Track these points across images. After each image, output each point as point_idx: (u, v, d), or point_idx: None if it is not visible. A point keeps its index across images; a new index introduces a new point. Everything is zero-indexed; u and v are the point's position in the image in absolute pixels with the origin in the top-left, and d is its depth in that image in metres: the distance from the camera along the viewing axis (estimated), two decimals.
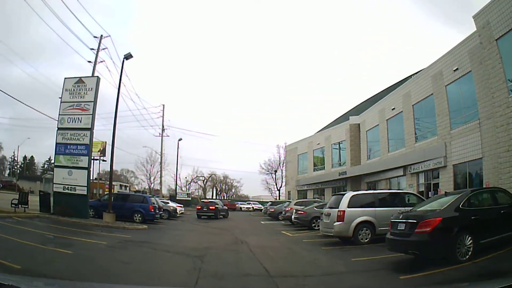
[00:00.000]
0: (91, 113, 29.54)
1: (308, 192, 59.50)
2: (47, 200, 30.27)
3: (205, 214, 44.89)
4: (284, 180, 67.01)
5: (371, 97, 52.16)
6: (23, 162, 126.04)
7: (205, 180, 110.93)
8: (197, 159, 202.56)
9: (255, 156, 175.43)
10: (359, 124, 47.99)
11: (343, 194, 20.53)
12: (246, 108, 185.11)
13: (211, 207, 45.53)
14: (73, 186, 28.83)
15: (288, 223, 35.86)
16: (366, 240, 18.72)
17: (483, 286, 6.72)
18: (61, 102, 30.40)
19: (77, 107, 29.87)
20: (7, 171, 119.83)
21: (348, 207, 19.20)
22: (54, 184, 29.90)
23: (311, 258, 15.90)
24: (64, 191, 28.98)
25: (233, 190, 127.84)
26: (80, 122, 29.59)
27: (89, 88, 29.95)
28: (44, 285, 5.66)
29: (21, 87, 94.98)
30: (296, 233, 26.94)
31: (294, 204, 36.45)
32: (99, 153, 65.76)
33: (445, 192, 16.41)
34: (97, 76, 31.80)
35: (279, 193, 68.36)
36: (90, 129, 29.46)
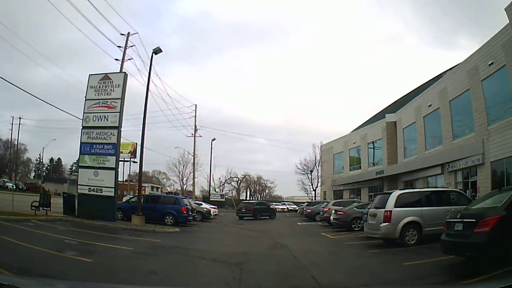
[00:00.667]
0: (119, 111, 28.12)
1: (344, 192, 57.72)
2: (71, 202, 28.80)
3: (245, 215, 46.24)
4: (319, 180, 65.03)
5: (407, 94, 50.73)
6: (49, 164, 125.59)
7: (239, 181, 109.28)
8: (230, 160, 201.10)
9: (290, 156, 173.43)
10: (395, 122, 46.67)
11: (389, 193, 19.43)
12: (280, 107, 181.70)
13: (249, 208, 47.14)
14: (99, 188, 27.38)
15: (325, 224, 34.29)
16: (412, 242, 17.58)
17: (483, 286, 6.64)
18: (85, 100, 29.17)
19: (103, 105, 28.50)
20: (33, 173, 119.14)
21: (395, 207, 18.01)
22: (78, 186, 28.49)
23: (360, 264, 14.53)
24: (90, 193, 27.61)
25: (266, 191, 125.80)
26: (107, 120, 28.22)
27: (116, 85, 28.58)
28: (44, 285, 5.51)
29: (47, 89, 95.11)
30: (336, 235, 25.45)
31: (333, 205, 35.15)
32: (129, 154, 64.62)
33: (499, 188, 14.60)
34: (124, 72, 30.49)
35: (315, 193, 66.47)
36: (118, 128, 28.01)
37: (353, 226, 27.30)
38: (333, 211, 30.57)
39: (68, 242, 17.17)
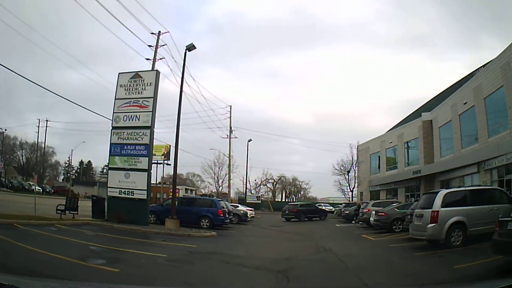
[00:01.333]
0: (151, 110, 26.94)
1: (381, 193, 56.37)
2: (100, 206, 27.73)
3: (288, 216, 46.65)
4: (356, 181, 64.20)
5: (442, 91, 49.65)
6: (79, 167, 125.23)
7: (275, 183, 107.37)
8: (265, 161, 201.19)
9: (324, 157, 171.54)
10: (431, 120, 45.49)
11: (436, 193, 18.68)
12: (316, 108, 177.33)
13: (292, 210, 47.53)
14: (130, 190, 26.24)
15: (364, 226, 33.53)
16: (458, 243, 16.83)
17: (483, 286, 6.37)
18: (115, 99, 28.14)
19: (134, 104, 27.36)
20: (61, 177, 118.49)
21: (441, 206, 17.25)
22: (108, 188, 27.46)
23: (410, 268, 13.56)
24: (120, 196, 26.53)
25: (301, 192, 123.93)
26: (138, 120, 27.09)
27: (147, 83, 27.44)
28: (44, 285, 5.46)
29: (75, 93, 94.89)
30: (378, 237, 24.35)
31: (372, 206, 34.52)
32: (162, 156, 63.77)
33: None
34: (156, 70, 29.22)
35: (352, 194, 65.14)
36: (150, 128, 26.81)
37: (393, 227, 26.44)
38: (373, 212, 29.74)
39: (93, 248, 15.87)
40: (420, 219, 18.09)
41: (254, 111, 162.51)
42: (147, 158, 26.64)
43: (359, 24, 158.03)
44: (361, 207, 39.22)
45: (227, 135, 66.22)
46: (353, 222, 39.42)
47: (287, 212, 47.55)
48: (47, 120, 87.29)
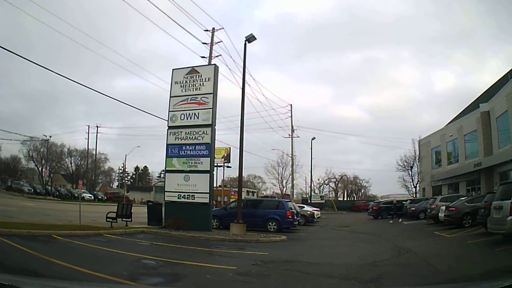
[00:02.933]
0: (211, 107, 24.84)
1: (443, 188, 54.27)
2: (157, 212, 25.81)
3: (371, 214, 48.49)
4: (419, 176, 61.36)
5: (498, 80, 47.29)
6: (134, 172, 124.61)
7: (337, 182, 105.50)
8: (325, 160, 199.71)
9: (381, 154, 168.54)
10: (488, 111, 43.37)
11: None
12: (372, 105, 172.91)
13: (374, 207, 49.16)
14: (190, 194, 24.09)
15: (431, 222, 32.29)
16: None
17: (483, 286, 5.97)
18: (170, 97, 26.18)
19: (192, 101, 25.34)
20: (115, 183, 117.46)
21: None
22: (165, 193, 25.35)
23: (504, 266, 12.02)
24: (179, 200, 24.44)
25: (362, 191, 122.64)
26: (197, 118, 25.03)
27: (205, 79, 25.35)
28: (44, 285, 5.26)
29: (125, 99, 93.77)
30: (451, 234, 22.65)
31: (439, 201, 32.52)
32: (222, 159, 62.15)
33: None
34: (214, 64, 27.19)
35: (415, 190, 62.67)
36: (211, 126, 24.72)
37: (463, 222, 24.97)
38: (443, 208, 28.32)
39: (147, 263, 13.14)
40: (499, 212, 16.30)
41: (311, 112, 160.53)
42: (209, 158, 24.43)
43: (409, 21, 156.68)
44: (427, 203, 37.78)
45: (289, 135, 65.07)
46: (421, 218, 37.53)
47: (370, 210, 50.20)
48: (97, 126, 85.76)
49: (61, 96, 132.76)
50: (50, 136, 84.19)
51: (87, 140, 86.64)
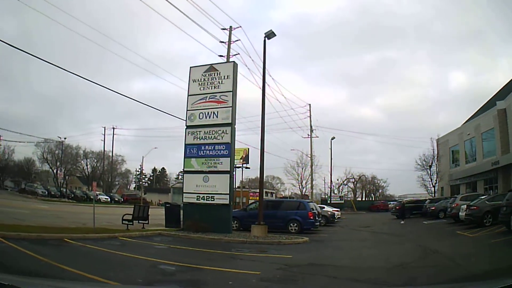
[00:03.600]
0: (231, 105, 24.08)
1: (461, 187, 53.31)
2: (175, 214, 24.98)
3: (394, 214, 47.99)
4: (437, 175, 60.89)
5: None
6: (152, 174, 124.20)
7: (355, 182, 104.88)
8: (344, 161, 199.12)
9: (398, 154, 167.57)
10: (505, 109, 42.41)
11: None
12: (388, 105, 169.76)
13: (397, 207, 48.77)
14: (210, 195, 23.33)
15: (451, 221, 31.77)
16: None
17: (483, 286, 5.82)
18: (188, 96, 25.50)
19: (211, 100, 24.62)
20: (133, 185, 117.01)
21: None
22: (184, 194, 24.62)
23: None
24: (198, 202, 23.72)
25: (379, 191, 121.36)
26: (217, 116, 24.30)
27: (224, 76, 24.60)
28: (44, 284, 5.38)
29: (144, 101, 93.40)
30: (473, 233, 22.17)
31: (460, 200, 31.90)
32: (241, 160, 61.76)
33: None
34: (233, 61, 26.77)
35: (434, 189, 62.18)
36: (231, 125, 23.96)
37: (484, 221, 24.47)
38: (463, 207, 27.77)
39: (164, 268, 12.44)
40: None
41: (327, 113, 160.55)
42: (229, 158, 23.63)
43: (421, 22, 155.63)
44: (447, 202, 36.87)
45: (308, 135, 64.12)
46: (441, 218, 36.83)
47: (393, 209, 50.11)
48: (113, 128, 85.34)
49: (78, 99, 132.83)
50: (65, 138, 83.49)
51: (103, 142, 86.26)
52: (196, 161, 24.08)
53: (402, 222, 38.40)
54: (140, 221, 23.12)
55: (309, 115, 63.26)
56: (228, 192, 23.15)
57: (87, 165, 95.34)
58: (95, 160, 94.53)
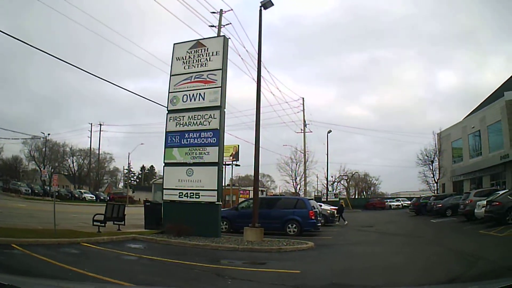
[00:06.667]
0: (219, 85, 19.92)
1: (465, 183, 51.16)
2: (155, 213, 21.11)
3: (412, 210, 47.40)
4: (439, 171, 57.58)
5: None
6: (140, 172, 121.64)
7: (349, 180, 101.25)
8: (338, 158, 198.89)
9: (389, 152, 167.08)
10: None
11: None
12: (378, 104, 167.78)
13: (416, 204, 47.31)
14: (195, 191, 19.18)
15: (462, 220, 29.65)
16: None
17: (483, 286, 5.86)
18: (170, 76, 21.37)
19: (196, 79, 20.43)
20: (121, 183, 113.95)
21: None
22: (164, 190, 20.51)
23: None
24: (181, 199, 19.58)
25: (372, 189, 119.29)
26: (203, 99, 20.08)
27: (212, 53, 20.44)
28: (44, 284, 5.03)
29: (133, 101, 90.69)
30: (500, 232, 19.80)
31: (474, 196, 29.59)
32: (231, 157, 58.86)
33: None
34: (224, 35, 23.13)
35: (437, 185, 58.90)
36: (220, 108, 19.78)
37: (507, 218, 22.06)
38: (480, 203, 25.40)
39: None
40: None
41: (317, 112, 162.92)
42: (217, 147, 19.41)
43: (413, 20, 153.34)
44: (458, 198, 35.05)
45: (301, 130, 60.67)
46: (449, 216, 35.06)
47: (411, 206, 49.15)
48: (100, 124, 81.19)
49: (69, 98, 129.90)
50: (49, 134, 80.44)
51: (89, 139, 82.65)
52: (178, 151, 20.03)
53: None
54: (115, 222, 19.40)
55: (302, 109, 60.22)
56: (216, 188, 19.02)
57: (73, 163, 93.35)
58: (82, 158, 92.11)
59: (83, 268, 10.15)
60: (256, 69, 21.13)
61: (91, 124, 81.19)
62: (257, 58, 21.35)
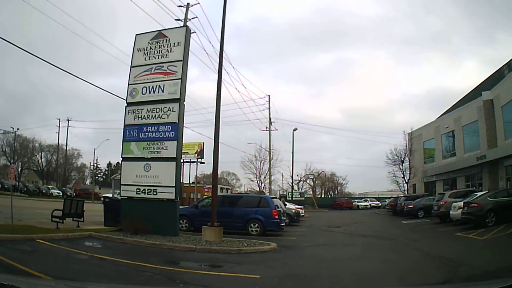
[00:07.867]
0: (179, 77, 19.09)
1: (437, 184, 50.93)
2: (114, 210, 20.10)
3: (390, 210, 47.73)
4: (410, 171, 57.22)
5: (504, 65, 43.13)
6: (107, 168, 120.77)
7: (315, 179, 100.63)
8: (302, 159, 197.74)
9: (355, 153, 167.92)
10: (492, 100, 40.00)
11: None
12: (345, 105, 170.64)
13: (392, 203, 47.80)
14: (152, 187, 18.46)
15: (436, 221, 28.99)
16: None
17: (483, 286, 5.57)
18: (131, 68, 20.46)
19: (156, 71, 19.61)
20: (89, 179, 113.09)
21: None
22: (121, 186, 19.80)
23: None
24: (138, 196, 18.80)
25: (338, 188, 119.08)
26: (163, 91, 19.25)
27: (174, 44, 19.65)
28: (44, 285, 5.14)
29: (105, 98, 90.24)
30: (480, 235, 18.82)
31: (449, 197, 29.18)
32: (195, 155, 58.32)
33: None
34: (186, 26, 22.65)
35: (407, 186, 58.90)
36: (179, 101, 18.91)
37: (487, 220, 21.29)
38: (456, 204, 25.10)
39: None
40: None
41: (285, 112, 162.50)
42: (175, 142, 18.60)
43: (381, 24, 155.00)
44: (431, 199, 35.07)
45: (266, 127, 59.84)
46: (421, 217, 34.61)
47: (388, 207, 49.61)
48: (68, 120, 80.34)
49: (42, 94, 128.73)
50: (18, 129, 79.52)
51: (57, 135, 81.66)
52: (136, 145, 19.22)
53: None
54: (74, 219, 19.00)
55: (268, 106, 59.62)
56: (174, 185, 18.29)
57: (41, 158, 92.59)
58: (50, 154, 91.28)
59: (30, 266, 9.61)
60: (218, 59, 20.07)
61: (59, 119, 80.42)
62: (219, 45, 20.26)
